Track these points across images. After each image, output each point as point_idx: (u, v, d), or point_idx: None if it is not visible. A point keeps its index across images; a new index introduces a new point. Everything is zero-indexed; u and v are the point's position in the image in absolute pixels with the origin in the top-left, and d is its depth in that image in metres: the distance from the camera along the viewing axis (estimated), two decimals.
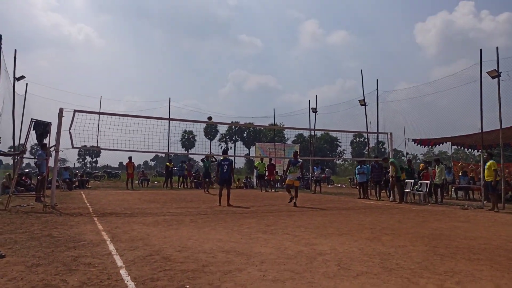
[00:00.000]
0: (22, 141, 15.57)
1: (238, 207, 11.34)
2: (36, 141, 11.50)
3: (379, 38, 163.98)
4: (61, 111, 10.36)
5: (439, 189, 14.82)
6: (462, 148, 18.73)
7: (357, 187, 16.94)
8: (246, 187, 24.69)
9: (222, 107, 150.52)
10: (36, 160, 12.55)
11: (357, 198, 16.00)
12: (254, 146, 40.68)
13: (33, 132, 10.92)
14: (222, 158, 12.59)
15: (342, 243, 5.75)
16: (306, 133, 49.78)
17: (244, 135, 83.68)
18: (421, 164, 15.69)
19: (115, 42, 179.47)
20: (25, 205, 10.62)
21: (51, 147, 10.97)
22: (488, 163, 12.02)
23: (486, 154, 13.20)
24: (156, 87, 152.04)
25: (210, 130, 76.08)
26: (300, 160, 12.73)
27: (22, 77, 17.45)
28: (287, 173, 12.75)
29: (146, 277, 3.76)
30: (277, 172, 23.22)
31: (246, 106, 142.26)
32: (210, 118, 15.04)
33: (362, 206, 12.65)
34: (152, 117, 13.08)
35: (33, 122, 10.86)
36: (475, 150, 18.18)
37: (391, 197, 14.98)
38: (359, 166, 16.51)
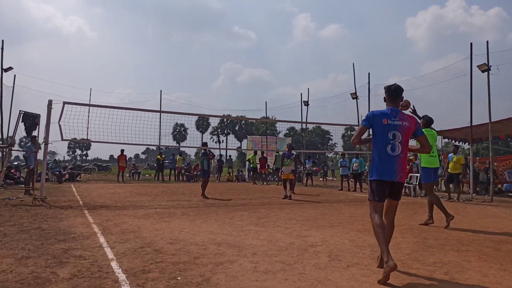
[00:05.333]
0: (11, 134, 15.34)
1: (229, 200, 11.35)
2: (24, 134, 11.32)
3: (371, 32, 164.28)
4: (50, 103, 10.19)
5: None
6: (453, 141, 18.90)
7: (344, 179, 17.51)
8: (238, 180, 24.72)
9: (215, 100, 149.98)
10: (24, 152, 12.39)
11: (338, 190, 16.66)
12: (246, 139, 40.66)
13: (21, 124, 10.75)
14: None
15: (333, 235, 5.79)
16: (298, 126, 49.91)
17: (236, 128, 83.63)
18: (411, 157, 15.87)
19: (107, 35, 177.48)
20: (14, 198, 10.50)
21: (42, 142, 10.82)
22: (456, 157, 12.41)
23: (453, 146, 13.58)
24: (148, 80, 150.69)
25: (202, 123, 75.92)
26: (294, 152, 12.76)
27: (10, 68, 17.16)
28: (281, 167, 12.84)
29: (137, 269, 3.75)
30: (268, 165, 23.27)
31: (239, 99, 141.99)
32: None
33: (353, 198, 12.74)
34: (143, 109, 12.94)
35: (22, 114, 10.68)
36: (466, 143, 18.40)
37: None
38: (341, 159, 17.29)
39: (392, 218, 4.06)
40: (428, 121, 7.38)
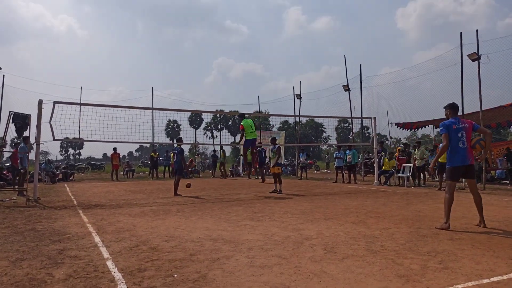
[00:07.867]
0: (1, 135, 15.19)
1: (225, 195, 11.36)
2: (15, 134, 11.21)
3: (362, 24, 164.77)
4: (40, 102, 10.09)
5: (421, 172, 15.12)
6: None
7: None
8: (233, 175, 24.72)
9: (207, 96, 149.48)
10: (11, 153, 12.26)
11: (332, 183, 16.80)
12: (239, 134, 40.41)
13: (12, 125, 10.64)
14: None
15: (329, 228, 5.82)
16: (291, 120, 49.96)
17: (230, 123, 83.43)
18: (398, 148, 15.99)
19: (97, 33, 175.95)
20: (7, 199, 10.42)
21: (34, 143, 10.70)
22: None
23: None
24: (140, 77, 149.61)
25: (195, 119, 75.60)
26: (276, 144, 12.57)
27: None
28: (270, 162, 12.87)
29: (133, 268, 3.75)
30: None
31: (232, 94, 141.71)
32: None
33: (348, 190, 12.81)
34: (134, 107, 12.86)
35: (12, 115, 10.57)
36: None
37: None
38: (337, 152, 17.54)
39: (476, 191, 5.72)
40: (239, 115, 11.92)
